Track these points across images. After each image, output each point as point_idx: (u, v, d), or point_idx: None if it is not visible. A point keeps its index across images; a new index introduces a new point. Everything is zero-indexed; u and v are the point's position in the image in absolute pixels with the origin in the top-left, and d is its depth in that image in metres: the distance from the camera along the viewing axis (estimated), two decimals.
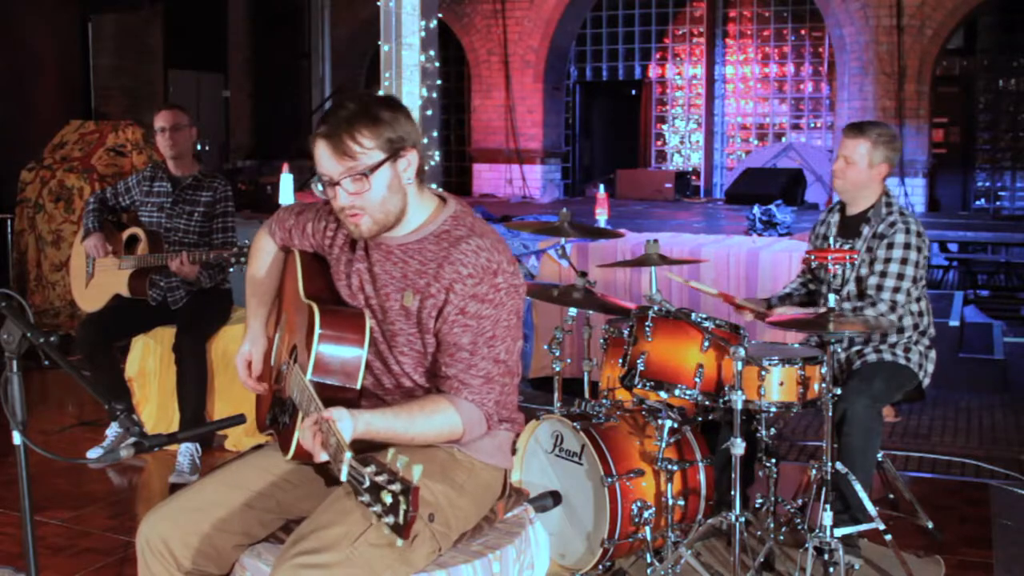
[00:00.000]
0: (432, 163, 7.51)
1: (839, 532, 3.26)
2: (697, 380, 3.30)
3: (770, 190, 11.64)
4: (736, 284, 6.44)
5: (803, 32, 14.61)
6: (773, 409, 3.30)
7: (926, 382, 3.71)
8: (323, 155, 2.17)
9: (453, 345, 2.20)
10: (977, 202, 14.29)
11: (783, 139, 14.80)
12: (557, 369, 3.93)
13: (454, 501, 2.22)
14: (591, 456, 3.32)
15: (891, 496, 3.92)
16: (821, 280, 3.86)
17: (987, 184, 14.37)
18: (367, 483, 1.79)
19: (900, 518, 3.81)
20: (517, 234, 7.39)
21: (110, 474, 4.62)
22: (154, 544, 2.20)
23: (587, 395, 3.90)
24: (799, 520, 3.42)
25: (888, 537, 3.30)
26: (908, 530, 3.75)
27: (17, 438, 2.00)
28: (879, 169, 3.69)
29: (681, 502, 3.38)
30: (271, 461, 2.33)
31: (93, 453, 4.63)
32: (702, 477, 3.45)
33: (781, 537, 3.44)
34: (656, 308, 3.41)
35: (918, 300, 3.70)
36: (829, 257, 3.22)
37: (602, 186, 9.62)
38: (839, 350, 3.71)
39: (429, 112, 7.34)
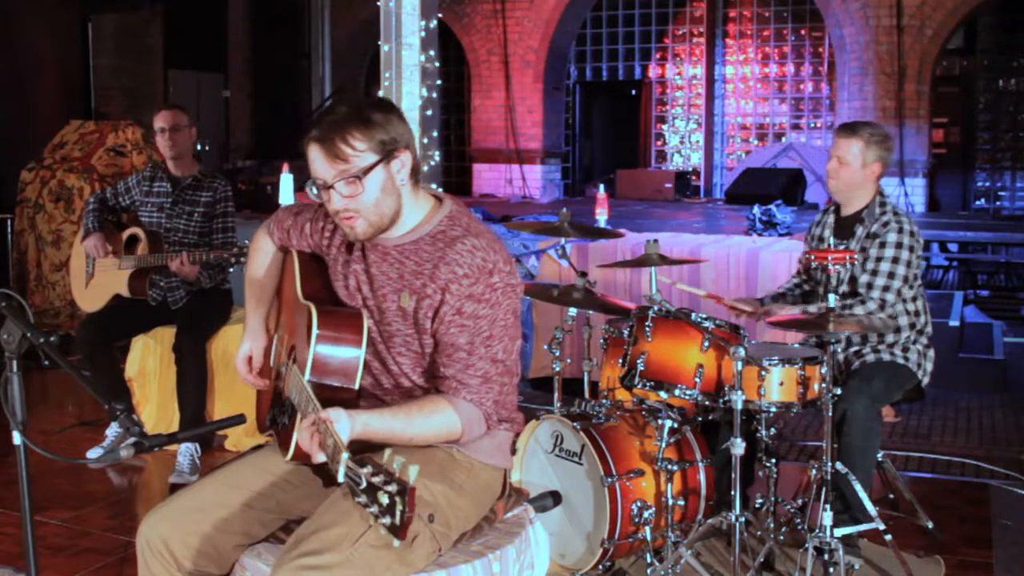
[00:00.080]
0: (432, 163, 7.51)
1: (839, 532, 3.26)
2: (697, 380, 3.30)
3: (770, 190, 11.63)
4: (736, 284, 6.44)
5: (803, 32, 14.61)
6: (773, 409, 3.30)
7: (925, 381, 3.72)
8: (316, 159, 2.17)
9: (450, 345, 2.20)
10: (977, 202, 14.29)
11: (783, 139, 14.79)
12: (557, 369, 3.93)
13: (453, 501, 2.22)
14: (591, 456, 3.32)
15: (891, 496, 3.92)
16: (817, 281, 3.86)
17: (987, 184, 14.37)
18: (364, 484, 1.79)
19: (900, 518, 3.81)
20: (517, 234, 7.39)
21: (110, 474, 4.62)
22: (154, 544, 2.20)
23: (587, 395, 3.90)
24: (799, 520, 3.42)
25: (888, 537, 3.30)
26: (908, 530, 3.75)
27: (17, 438, 2.00)
28: (872, 169, 3.69)
29: (681, 502, 3.38)
30: (271, 461, 2.33)
31: (93, 453, 4.63)
32: (702, 477, 3.45)
33: (781, 537, 3.44)
34: (656, 308, 3.41)
35: (914, 299, 3.70)
36: (829, 258, 3.22)
37: (602, 186, 9.61)
38: (839, 350, 3.71)
39: (429, 112, 7.34)
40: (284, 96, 12.61)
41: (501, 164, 14.41)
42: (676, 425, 3.37)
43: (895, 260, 3.58)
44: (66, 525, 3.94)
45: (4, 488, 4.25)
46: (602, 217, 8.60)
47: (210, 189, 4.68)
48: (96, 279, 4.82)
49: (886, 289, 3.57)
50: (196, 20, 11.38)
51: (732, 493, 3.25)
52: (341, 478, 1.84)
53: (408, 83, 7.16)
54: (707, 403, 3.32)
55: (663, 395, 3.37)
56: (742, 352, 3.17)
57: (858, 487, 3.30)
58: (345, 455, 1.84)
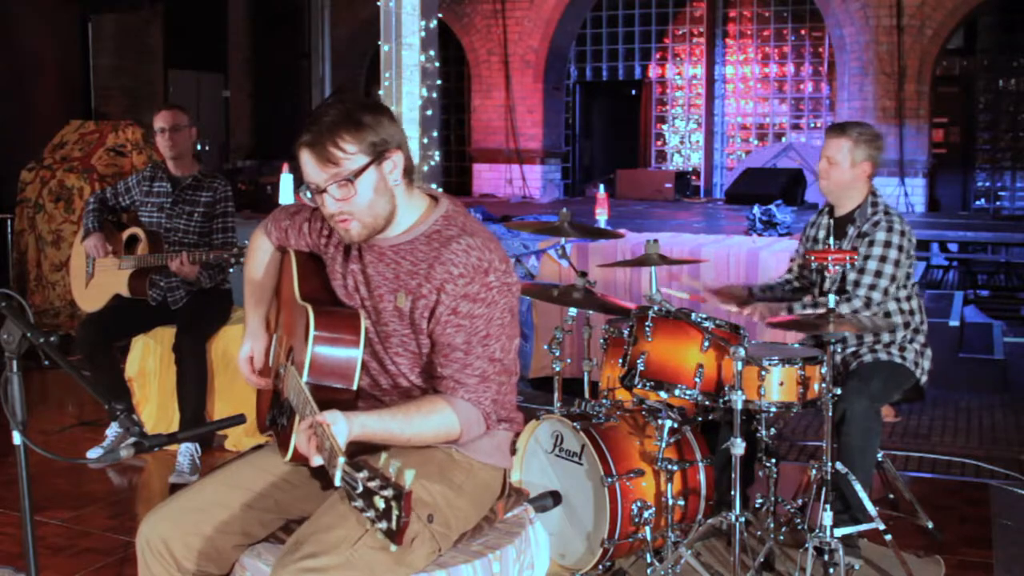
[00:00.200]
0: (432, 163, 7.51)
1: (839, 532, 3.26)
2: (697, 380, 3.30)
3: (770, 190, 11.64)
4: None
5: (803, 32, 14.61)
6: (773, 409, 3.30)
7: (924, 380, 3.71)
8: (308, 163, 2.18)
9: (447, 345, 2.20)
10: (977, 202, 14.29)
11: (783, 139, 14.80)
12: (557, 369, 3.93)
13: (453, 502, 2.22)
14: (591, 456, 3.32)
15: (891, 496, 3.92)
16: (812, 282, 3.86)
17: (987, 184, 14.37)
18: (360, 488, 1.79)
19: (900, 518, 3.81)
20: (517, 234, 7.40)
21: (110, 474, 4.62)
22: (154, 544, 2.20)
23: (587, 395, 3.90)
24: (799, 520, 3.42)
25: (888, 537, 3.30)
26: (908, 530, 3.75)
27: (17, 438, 2.00)
28: (862, 167, 3.69)
29: (681, 502, 3.38)
30: (271, 461, 2.33)
31: (93, 453, 4.63)
32: (702, 477, 3.45)
33: (781, 537, 3.44)
34: (656, 308, 3.41)
35: (909, 299, 3.70)
36: (829, 258, 3.22)
37: (602, 186, 9.62)
38: (839, 350, 3.71)
39: (429, 112, 7.34)
40: (284, 96, 12.61)
41: (501, 164, 14.41)
42: (676, 425, 3.37)
43: (883, 259, 3.58)
44: (66, 525, 3.93)
45: (4, 488, 4.25)
46: (602, 217, 8.60)
47: (210, 189, 4.68)
48: (96, 279, 4.82)
49: (872, 287, 3.57)
50: (196, 20, 11.38)
51: (732, 493, 3.25)
52: (338, 482, 1.84)
53: (408, 83, 7.16)
54: (707, 403, 3.32)
55: (663, 395, 3.37)
56: (742, 352, 3.17)
57: (858, 487, 3.30)
58: (341, 459, 1.84)
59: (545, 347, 4.09)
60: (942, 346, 6.60)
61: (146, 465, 4.72)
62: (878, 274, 3.57)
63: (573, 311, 4.05)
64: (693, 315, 3.34)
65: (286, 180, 8.38)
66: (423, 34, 7.22)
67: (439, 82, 7.85)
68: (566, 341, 4.00)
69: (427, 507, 2.15)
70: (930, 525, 3.73)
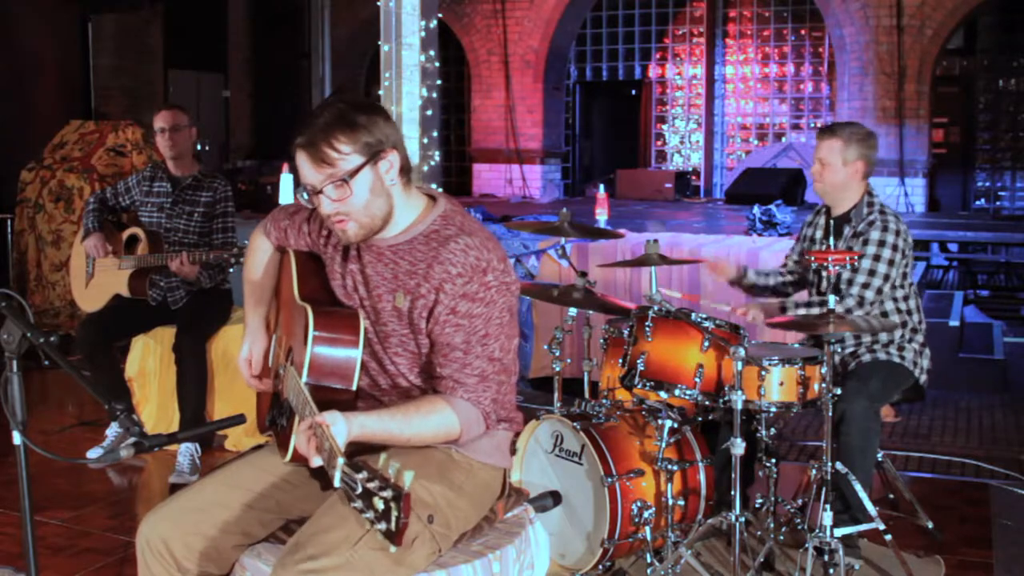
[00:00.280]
0: (432, 163, 7.51)
1: (839, 532, 3.26)
2: (697, 380, 3.30)
3: (770, 190, 11.65)
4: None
5: (803, 32, 14.61)
6: (773, 409, 3.30)
7: (923, 379, 3.71)
8: (303, 165, 2.18)
9: (446, 345, 2.20)
10: (977, 202, 14.29)
11: (783, 139, 14.80)
12: (557, 369, 3.93)
13: (453, 502, 2.22)
14: (591, 456, 3.32)
15: (891, 496, 3.92)
16: (810, 282, 3.86)
17: (987, 184, 14.37)
18: (359, 489, 1.79)
19: (900, 518, 3.81)
20: (517, 234, 7.40)
21: (110, 474, 4.62)
22: (154, 544, 2.20)
23: (587, 395, 3.90)
24: (799, 520, 3.42)
25: (888, 537, 3.30)
26: (908, 530, 3.75)
27: (17, 438, 2.00)
28: (855, 167, 3.69)
29: (681, 502, 3.38)
30: (271, 461, 2.33)
31: (93, 453, 4.63)
32: (702, 477, 3.45)
33: (781, 537, 3.44)
34: (656, 308, 3.41)
35: (906, 299, 3.70)
36: (829, 259, 3.22)
37: (602, 186, 9.63)
38: (839, 350, 3.71)
39: (429, 112, 7.34)
40: (284, 96, 12.61)
41: (501, 164, 14.41)
42: (676, 425, 3.37)
43: (876, 258, 3.58)
44: (66, 525, 3.93)
45: (4, 488, 4.24)
46: (602, 217, 8.61)
47: (210, 189, 4.68)
48: (96, 279, 4.82)
49: (865, 287, 3.57)
50: (196, 20, 11.38)
51: (732, 493, 3.25)
52: (337, 483, 1.84)
53: (408, 83, 7.16)
54: (707, 403, 3.32)
55: (663, 395, 3.37)
56: (742, 352, 3.17)
57: (858, 487, 3.30)
58: (341, 460, 1.84)
59: (545, 347, 4.08)
60: (942, 346, 6.61)
61: (146, 465, 4.72)
62: (871, 273, 3.57)
63: (573, 311, 4.05)
64: (693, 315, 3.34)
65: (286, 180, 8.39)
66: (423, 34, 7.22)
67: (439, 82, 7.85)
68: (566, 341, 4.00)
69: (427, 508, 2.15)
70: (930, 525, 3.73)
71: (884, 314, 3.66)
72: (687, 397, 3.32)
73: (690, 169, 15.28)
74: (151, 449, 1.98)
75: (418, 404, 2.19)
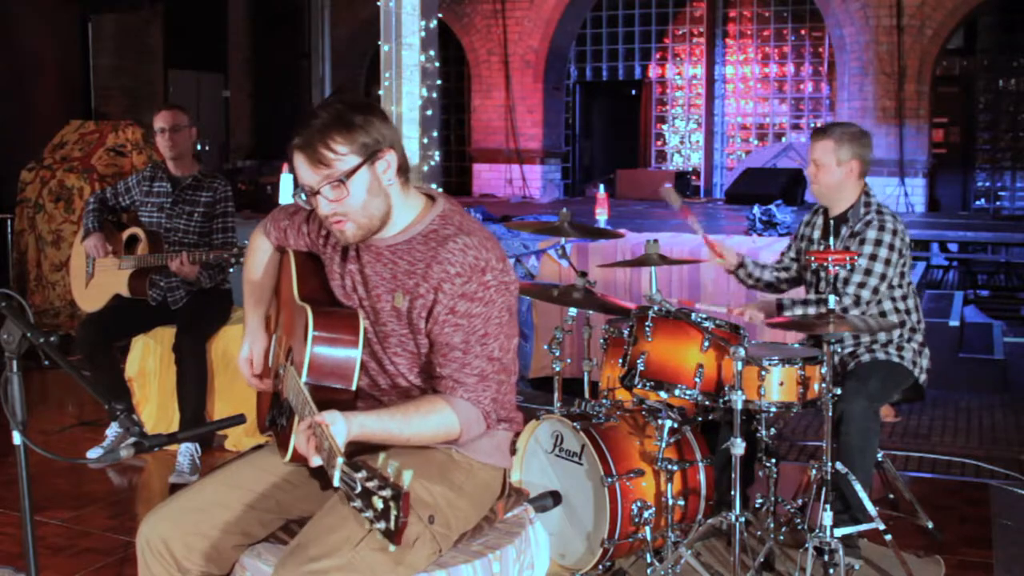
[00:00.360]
0: (432, 163, 7.51)
1: (839, 532, 3.26)
2: (697, 380, 3.30)
3: (770, 190, 11.66)
4: (736, 284, 6.43)
5: (803, 32, 14.61)
6: (773, 409, 3.30)
7: (922, 379, 3.71)
8: (301, 166, 2.19)
9: (445, 345, 2.20)
10: (977, 202, 14.29)
11: (783, 139, 14.80)
12: (557, 369, 3.93)
13: (453, 502, 2.22)
14: (591, 456, 3.32)
15: (891, 496, 3.92)
16: (807, 282, 3.86)
17: (987, 184, 14.37)
18: (359, 489, 1.79)
19: (900, 518, 3.81)
20: (517, 234, 7.40)
21: (110, 474, 4.62)
22: (154, 544, 2.20)
23: (587, 395, 3.90)
24: (799, 520, 3.42)
25: (888, 537, 3.30)
26: (908, 530, 3.75)
27: (17, 438, 2.00)
28: (850, 166, 3.68)
29: (681, 502, 3.38)
30: (271, 461, 2.33)
31: (93, 453, 4.63)
32: (702, 477, 3.45)
33: (781, 537, 3.44)
34: (656, 308, 3.41)
35: (904, 298, 3.70)
36: (829, 259, 3.22)
37: (602, 186, 9.63)
38: (839, 349, 3.71)
39: (429, 112, 7.34)
40: (284, 96, 12.62)
41: (501, 164, 14.41)
42: (676, 425, 3.37)
43: (872, 257, 3.58)
44: (66, 525, 3.93)
45: (4, 488, 4.24)
46: (602, 217, 8.61)
47: (210, 189, 4.68)
48: (96, 279, 4.82)
49: (861, 285, 3.57)
50: (196, 20, 11.38)
51: (732, 493, 3.25)
52: (336, 483, 1.84)
53: (408, 83, 7.16)
54: (707, 403, 3.32)
55: (663, 395, 3.37)
56: (742, 352, 3.17)
57: (858, 487, 3.30)
58: (340, 460, 1.84)
59: (545, 347, 4.08)
60: (942, 346, 6.61)
61: (146, 465, 4.72)
62: (867, 272, 3.57)
63: (573, 311, 4.05)
64: (693, 315, 3.34)
65: (286, 180, 8.39)
66: (423, 34, 7.22)
67: (439, 82, 7.86)
68: (566, 341, 4.00)
69: (428, 508, 2.15)
70: (930, 525, 3.73)
71: (882, 314, 3.66)
72: (687, 397, 3.32)
73: (690, 169, 15.28)
74: (151, 449, 1.98)
75: (418, 404, 2.19)
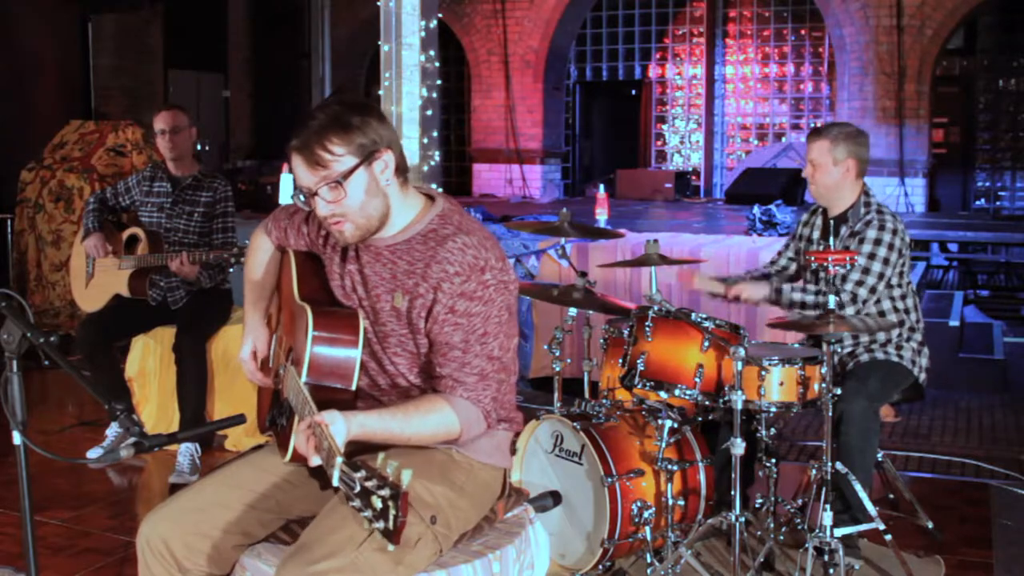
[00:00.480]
0: (432, 163, 7.51)
1: (839, 532, 3.26)
2: (697, 380, 3.30)
3: (770, 190, 11.65)
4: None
5: (803, 32, 14.61)
6: (773, 409, 3.30)
7: (922, 378, 3.71)
8: (298, 167, 2.19)
9: (445, 344, 2.20)
10: (977, 202, 14.29)
11: (783, 139, 14.80)
12: (557, 369, 3.93)
13: (454, 502, 2.22)
14: (591, 456, 3.32)
15: (891, 496, 3.92)
16: (806, 282, 3.86)
17: (987, 184, 14.37)
18: (358, 488, 1.79)
19: (900, 518, 3.81)
20: (517, 234, 7.40)
21: (110, 474, 4.62)
22: (154, 544, 2.20)
23: (587, 395, 3.90)
24: (799, 520, 3.42)
25: (888, 537, 3.30)
26: (908, 530, 3.75)
27: (17, 438, 2.00)
28: (847, 166, 3.68)
29: (681, 502, 3.38)
30: (271, 461, 2.33)
31: (93, 453, 4.63)
32: (702, 477, 3.45)
33: (781, 537, 3.44)
34: (656, 308, 3.41)
35: (903, 298, 3.70)
36: (829, 259, 3.22)
37: (602, 186, 9.63)
38: (838, 349, 3.71)
39: (429, 112, 7.34)
40: (284, 96, 12.62)
41: (501, 164, 14.41)
42: (676, 425, 3.37)
43: (871, 256, 3.58)
44: (66, 525, 3.93)
45: (4, 488, 4.24)
46: (602, 217, 8.62)
47: (210, 189, 4.68)
48: (96, 279, 4.82)
49: (859, 284, 3.57)
50: (196, 20, 11.38)
51: (732, 493, 3.25)
52: (336, 482, 1.84)
53: (408, 83, 7.16)
54: (707, 403, 3.32)
55: (663, 395, 3.37)
56: (742, 352, 3.17)
57: (858, 487, 3.30)
58: (339, 459, 1.84)
59: (545, 347, 4.08)
60: (942, 346, 6.61)
61: (146, 465, 4.72)
62: (866, 271, 3.57)
63: (573, 311, 4.05)
64: (693, 315, 3.34)
65: (286, 180, 8.39)
66: (423, 34, 7.23)
67: (439, 82, 7.86)
68: (566, 341, 4.01)
69: (430, 508, 2.15)
70: (930, 525, 3.73)
71: (881, 313, 3.66)
72: (687, 397, 3.32)
73: (690, 169, 15.28)
74: (151, 449, 1.98)
75: (418, 403, 2.19)
